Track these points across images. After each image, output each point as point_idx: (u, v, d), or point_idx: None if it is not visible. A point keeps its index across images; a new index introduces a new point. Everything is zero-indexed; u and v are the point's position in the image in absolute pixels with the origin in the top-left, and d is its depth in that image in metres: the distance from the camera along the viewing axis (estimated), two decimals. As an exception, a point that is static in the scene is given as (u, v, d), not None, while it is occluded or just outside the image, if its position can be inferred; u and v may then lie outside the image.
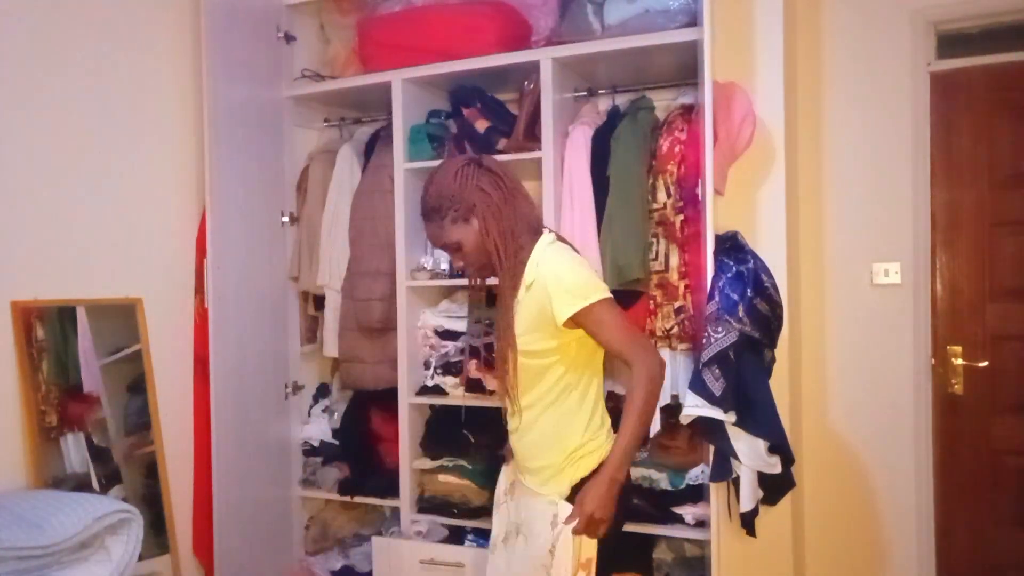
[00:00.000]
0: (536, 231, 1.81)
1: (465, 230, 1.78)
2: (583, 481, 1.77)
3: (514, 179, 1.82)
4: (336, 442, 2.98)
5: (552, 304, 1.70)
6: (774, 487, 2.27)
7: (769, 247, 2.38)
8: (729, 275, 2.15)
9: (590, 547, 1.74)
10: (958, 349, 2.73)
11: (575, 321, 1.70)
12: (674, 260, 2.41)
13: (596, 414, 1.84)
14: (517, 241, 1.77)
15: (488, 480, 2.66)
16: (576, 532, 1.72)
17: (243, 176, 2.68)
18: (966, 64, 2.69)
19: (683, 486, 2.42)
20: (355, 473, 2.91)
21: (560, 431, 1.80)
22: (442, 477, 2.69)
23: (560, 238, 1.87)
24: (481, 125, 2.67)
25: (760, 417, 2.12)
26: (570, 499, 1.77)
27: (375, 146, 2.96)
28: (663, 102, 2.64)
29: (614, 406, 2.81)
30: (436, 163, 2.68)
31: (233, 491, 2.58)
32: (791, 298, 2.52)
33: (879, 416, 2.74)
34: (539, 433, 1.83)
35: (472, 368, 2.67)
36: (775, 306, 2.23)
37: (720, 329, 2.09)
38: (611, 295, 1.74)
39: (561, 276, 1.71)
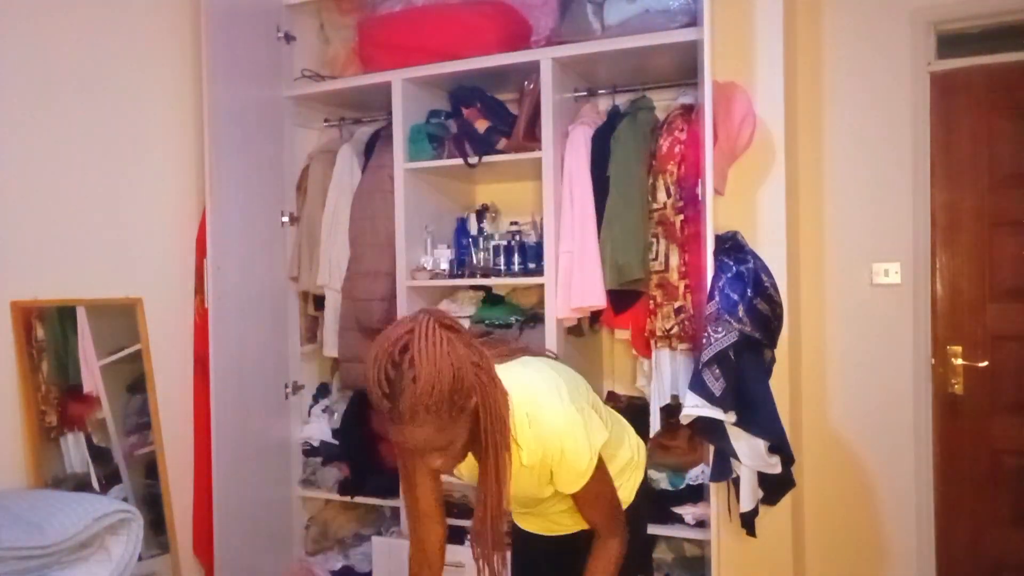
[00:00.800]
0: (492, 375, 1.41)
1: (461, 422, 1.34)
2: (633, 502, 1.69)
3: (462, 325, 1.42)
4: (336, 442, 2.98)
5: (558, 479, 1.48)
6: (774, 487, 2.27)
7: (769, 247, 2.38)
8: (729, 275, 2.14)
9: None
10: (958, 349, 2.73)
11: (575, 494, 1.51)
12: (674, 260, 2.41)
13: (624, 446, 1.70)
14: (509, 409, 1.41)
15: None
16: None
17: (243, 176, 2.68)
18: (966, 64, 2.69)
19: (683, 486, 2.42)
20: (355, 473, 2.91)
21: None
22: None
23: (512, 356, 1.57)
24: (481, 125, 2.67)
25: (760, 417, 2.12)
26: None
27: (375, 146, 2.96)
28: (663, 102, 2.64)
29: (614, 406, 2.83)
30: (436, 163, 2.70)
31: (233, 491, 2.58)
32: (791, 298, 2.51)
33: (879, 416, 2.74)
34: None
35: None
36: (775, 306, 2.23)
37: (720, 329, 2.09)
38: (598, 452, 1.48)
39: (571, 455, 1.43)
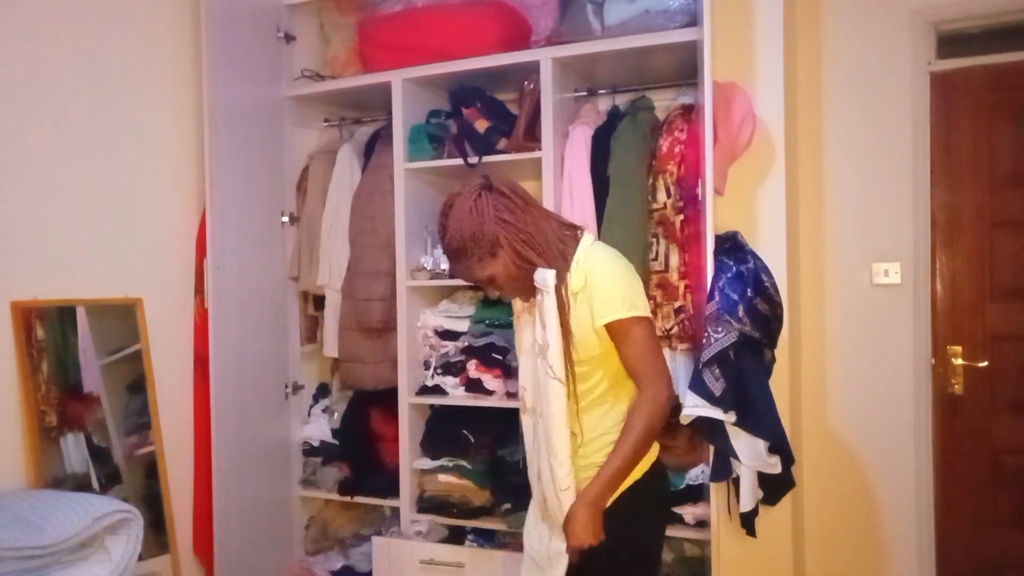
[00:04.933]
0: (569, 234, 1.77)
1: (495, 264, 1.71)
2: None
3: (525, 194, 1.75)
4: (336, 442, 2.98)
5: (593, 307, 1.68)
6: (774, 487, 2.27)
7: (769, 247, 2.38)
8: (729, 275, 2.14)
9: None
10: (958, 349, 2.72)
11: (609, 330, 1.68)
12: (674, 260, 2.41)
13: (610, 434, 1.76)
14: (552, 250, 1.70)
15: (488, 480, 2.66)
16: (572, 560, 1.72)
17: (243, 176, 2.68)
18: (966, 64, 2.69)
19: (683, 486, 2.42)
20: (355, 473, 2.91)
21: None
22: (442, 477, 2.69)
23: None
24: (481, 125, 2.67)
25: (760, 417, 2.12)
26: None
27: (375, 146, 2.96)
28: (663, 102, 2.64)
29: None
30: (436, 163, 2.71)
31: (233, 491, 2.58)
32: (791, 298, 2.51)
33: (879, 416, 2.74)
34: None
35: (472, 368, 2.67)
36: (775, 306, 2.23)
37: (720, 329, 2.09)
38: (650, 316, 1.72)
39: (608, 283, 1.68)
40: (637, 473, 1.74)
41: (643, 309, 1.70)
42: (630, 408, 1.73)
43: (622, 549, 1.73)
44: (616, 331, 1.68)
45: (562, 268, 1.70)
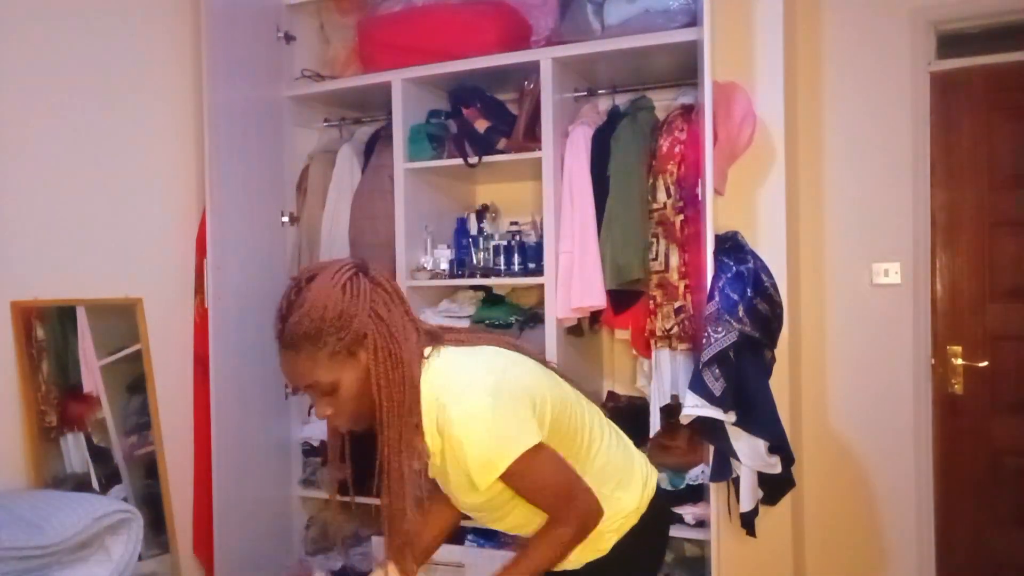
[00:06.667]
0: (424, 349, 1.37)
1: (349, 368, 1.31)
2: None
3: (400, 292, 1.39)
4: (336, 442, 2.97)
5: (470, 473, 1.32)
6: (774, 487, 2.27)
7: (769, 247, 2.38)
8: (729, 275, 2.14)
9: None
10: (958, 349, 2.72)
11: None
12: (674, 260, 2.41)
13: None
14: (417, 372, 1.33)
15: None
16: None
17: (243, 176, 2.68)
18: (966, 64, 2.69)
19: (683, 486, 2.42)
20: (355, 473, 2.90)
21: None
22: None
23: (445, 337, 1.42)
24: (481, 125, 2.67)
25: (760, 417, 2.12)
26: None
27: (375, 146, 2.96)
28: (663, 102, 2.64)
29: (614, 405, 2.83)
30: (436, 163, 2.71)
31: (233, 491, 2.58)
32: (791, 298, 2.52)
33: (879, 416, 2.74)
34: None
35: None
36: (775, 306, 2.23)
37: (720, 329, 2.09)
38: (535, 441, 1.31)
39: (468, 444, 1.29)
40: (634, 518, 1.49)
41: (521, 440, 1.29)
42: (539, 530, 1.43)
43: None
44: (517, 487, 1.36)
45: (411, 422, 1.33)
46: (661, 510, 1.61)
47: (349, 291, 1.30)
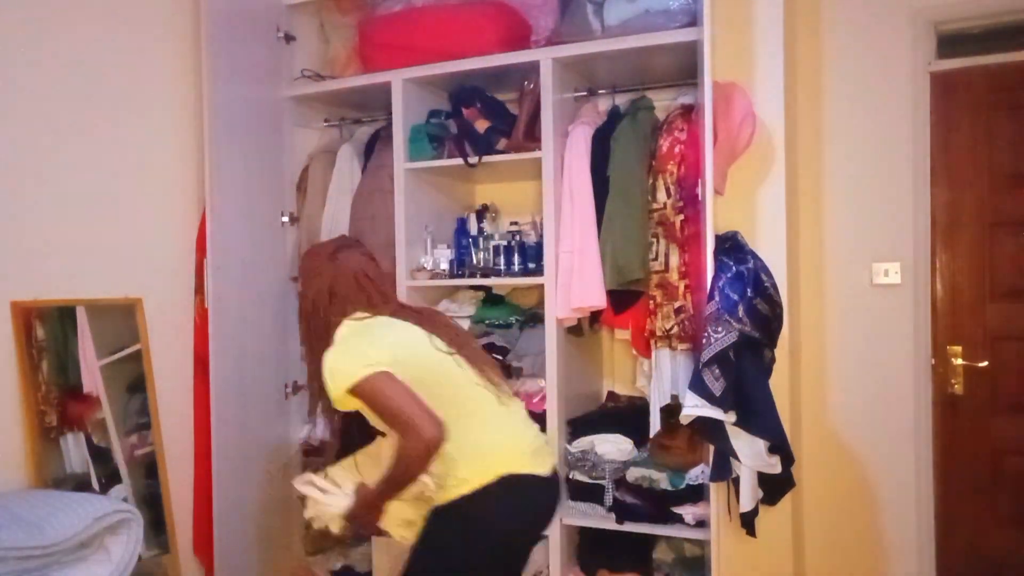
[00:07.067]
0: None
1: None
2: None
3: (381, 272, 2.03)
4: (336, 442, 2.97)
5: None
6: (774, 487, 2.27)
7: (769, 247, 2.38)
8: (729, 275, 2.15)
9: None
10: (958, 349, 2.72)
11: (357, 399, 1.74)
12: (674, 260, 2.41)
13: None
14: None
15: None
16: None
17: (243, 176, 2.68)
18: (966, 64, 2.69)
19: (683, 486, 2.42)
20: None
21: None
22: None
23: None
24: (481, 125, 2.67)
25: (760, 417, 2.12)
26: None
27: (375, 146, 2.96)
28: (663, 102, 2.64)
29: (614, 405, 2.84)
30: (436, 163, 2.71)
31: (233, 491, 2.58)
32: (791, 298, 2.52)
33: (879, 416, 2.74)
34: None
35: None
36: (775, 306, 2.23)
37: (720, 329, 2.09)
38: (382, 369, 1.70)
39: (327, 360, 1.77)
40: (465, 488, 1.74)
41: (368, 365, 1.71)
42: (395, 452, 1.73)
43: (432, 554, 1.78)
44: (359, 400, 1.74)
45: None
46: (496, 504, 1.76)
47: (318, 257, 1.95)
